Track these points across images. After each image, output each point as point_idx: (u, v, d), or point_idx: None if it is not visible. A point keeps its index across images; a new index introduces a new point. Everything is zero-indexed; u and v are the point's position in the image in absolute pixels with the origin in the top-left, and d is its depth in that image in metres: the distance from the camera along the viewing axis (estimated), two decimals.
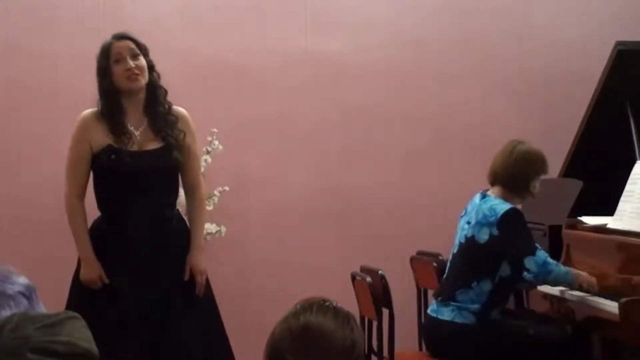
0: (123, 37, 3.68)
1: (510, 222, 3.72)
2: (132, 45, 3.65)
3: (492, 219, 3.73)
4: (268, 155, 5.24)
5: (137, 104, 3.67)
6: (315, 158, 5.28)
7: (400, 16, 5.35)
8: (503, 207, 3.75)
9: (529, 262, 3.69)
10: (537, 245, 3.76)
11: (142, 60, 3.65)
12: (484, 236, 3.76)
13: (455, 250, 3.92)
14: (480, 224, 3.77)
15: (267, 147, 5.24)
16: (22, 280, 1.79)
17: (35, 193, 4.97)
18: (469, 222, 3.84)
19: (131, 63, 3.61)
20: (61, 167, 4.87)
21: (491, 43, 5.44)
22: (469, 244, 3.81)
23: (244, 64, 5.19)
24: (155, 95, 3.69)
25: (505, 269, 3.74)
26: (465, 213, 3.92)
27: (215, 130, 4.79)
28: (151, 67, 3.70)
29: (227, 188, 4.85)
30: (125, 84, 3.62)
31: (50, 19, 5.03)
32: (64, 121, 4.95)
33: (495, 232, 3.72)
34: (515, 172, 3.82)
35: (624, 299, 3.38)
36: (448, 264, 3.98)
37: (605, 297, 3.59)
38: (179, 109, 3.76)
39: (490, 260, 3.75)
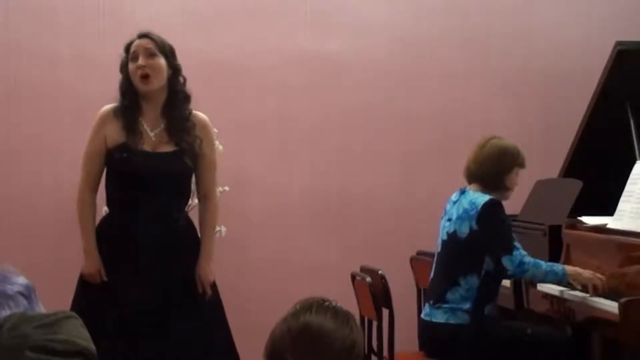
0: (144, 35, 3.66)
1: (488, 215, 3.71)
2: (150, 45, 3.62)
3: (473, 212, 3.73)
4: (268, 155, 5.24)
5: (155, 106, 3.65)
6: (316, 158, 5.28)
7: (400, 16, 5.36)
8: (483, 199, 3.74)
9: (505, 261, 3.69)
10: (515, 243, 3.72)
11: (158, 61, 3.61)
12: (464, 230, 3.76)
13: (438, 250, 3.92)
14: (461, 218, 3.77)
15: (267, 147, 5.24)
16: (22, 280, 1.79)
17: (35, 193, 4.97)
18: (449, 219, 3.84)
19: (142, 61, 3.58)
20: (61, 167, 4.91)
21: (491, 43, 5.44)
22: (451, 239, 3.81)
23: (244, 64, 5.19)
24: (175, 99, 3.65)
25: (489, 263, 3.74)
26: (445, 213, 3.93)
27: (215, 130, 4.78)
28: (176, 71, 3.66)
29: (227, 188, 4.86)
30: (137, 84, 3.61)
31: (50, 19, 5.03)
32: (64, 121, 4.98)
33: (475, 226, 3.72)
34: (489, 167, 3.82)
35: (624, 299, 3.38)
36: (433, 265, 3.97)
37: (605, 297, 3.58)
38: (200, 114, 3.73)
39: (474, 255, 3.74)
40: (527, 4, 5.47)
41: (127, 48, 3.66)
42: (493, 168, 3.83)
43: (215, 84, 5.12)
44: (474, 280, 3.73)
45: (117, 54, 4.89)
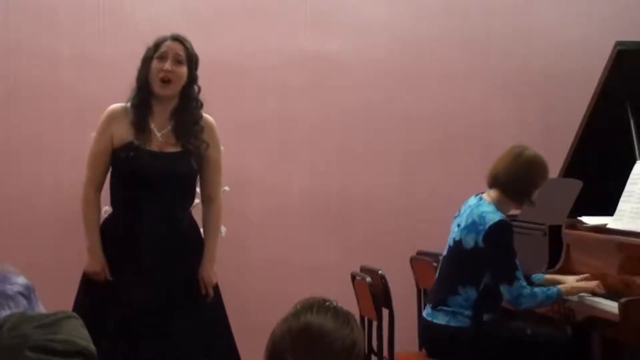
0: (177, 39, 3.67)
1: (495, 239, 3.67)
2: (180, 51, 3.64)
3: (481, 227, 3.69)
4: (268, 155, 5.24)
5: (165, 107, 3.67)
6: (316, 158, 5.28)
7: (400, 16, 5.35)
8: (493, 217, 3.69)
9: (503, 289, 3.67)
10: (517, 272, 3.66)
11: (183, 69, 3.64)
12: (470, 242, 3.73)
13: (445, 253, 3.91)
14: (468, 228, 3.73)
15: (267, 147, 5.24)
16: (21, 280, 1.79)
17: (35, 193, 4.97)
18: (459, 225, 3.82)
19: (169, 65, 3.60)
20: (61, 167, 4.90)
21: (491, 43, 5.44)
22: (457, 247, 3.79)
23: (244, 64, 5.19)
24: (186, 105, 3.68)
25: (489, 278, 3.73)
26: (459, 214, 3.90)
27: None
28: (192, 80, 3.69)
29: (227, 188, 4.84)
30: (155, 85, 3.62)
31: (50, 19, 5.03)
32: (64, 121, 4.98)
33: (481, 242, 3.69)
34: (521, 178, 3.75)
35: (624, 299, 3.38)
36: (438, 267, 3.97)
37: (605, 297, 3.59)
38: (208, 118, 3.75)
39: (475, 268, 3.72)
40: (527, 4, 5.47)
41: (157, 44, 3.66)
42: (524, 181, 3.76)
43: (215, 84, 5.09)
44: (472, 292, 3.72)
45: (117, 54, 4.92)
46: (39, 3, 5.02)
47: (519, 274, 3.67)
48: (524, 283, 3.67)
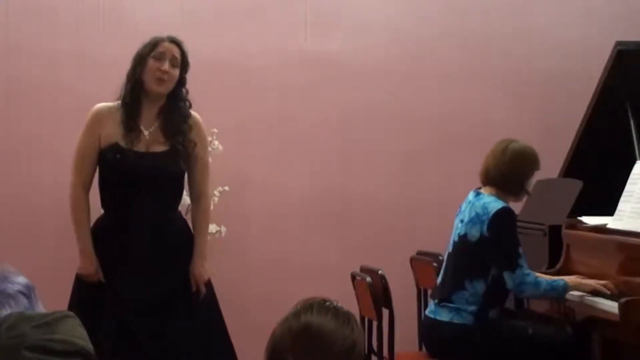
0: (175, 42, 3.70)
1: (499, 225, 3.68)
2: (177, 54, 3.67)
3: (484, 217, 3.71)
4: (268, 156, 5.24)
5: (153, 107, 3.68)
6: (315, 158, 5.28)
7: (400, 16, 5.35)
8: (495, 205, 3.71)
9: (505, 276, 3.67)
10: (520, 259, 3.67)
11: (177, 72, 3.67)
12: (475, 234, 3.73)
13: (450, 250, 3.91)
14: (472, 221, 3.75)
15: (267, 147, 5.24)
16: (21, 279, 1.79)
17: (35, 193, 4.97)
18: (462, 220, 3.83)
19: (167, 66, 3.62)
20: (61, 167, 4.88)
21: (491, 43, 5.43)
22: (462, 242, 3.79)
23: (244, 64, 5.19)
24: (174, 105, 3.70)
25: (494, 268, 3.74)
26: (460, 211, 3.91)
27: (215, 130, 4.79)
28: (181, 82, 3.71)
29: (227, 188, 4.86)
30: (149, 83, 3.64)
31: (50, 19, 5.03)
32: (64, 121, 4.97)
33: (486, 232, 3.70)
34: (509, 171, 3.78)
35: (624, 299, 3.38)
36: (443, 264, 3.97)
37: (605, 297, 3.59)
38: (196, 116, 3.76)
39: (482, 260, 3.73)
40: (527, 4, 5.47)
41: (154, 44, 3.68)
42: (515, 174, 3.79)
43: (215, 84, 5.11)
44: (480, 286, 3.72)
45: (117, 54, 4.91)
46: (39, 3, 5.02)
47: (523, 261, 3.68)
48: (528, 271, 3.68)
